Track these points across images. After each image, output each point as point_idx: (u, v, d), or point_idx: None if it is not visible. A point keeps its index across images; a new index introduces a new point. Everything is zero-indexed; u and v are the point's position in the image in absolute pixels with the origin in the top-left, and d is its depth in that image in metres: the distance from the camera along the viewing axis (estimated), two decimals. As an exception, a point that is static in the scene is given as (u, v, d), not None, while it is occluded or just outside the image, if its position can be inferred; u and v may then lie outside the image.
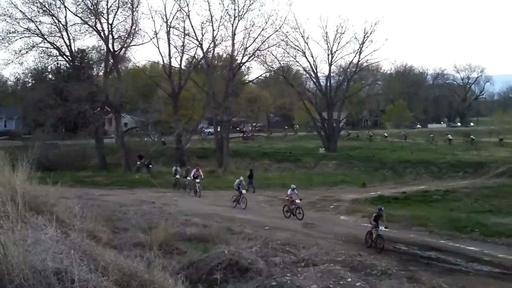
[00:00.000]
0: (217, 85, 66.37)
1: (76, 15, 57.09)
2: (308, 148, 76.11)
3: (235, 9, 61.29)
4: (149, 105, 73.11)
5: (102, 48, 61.26)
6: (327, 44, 75.69)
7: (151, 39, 61.81)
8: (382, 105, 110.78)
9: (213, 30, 61.81)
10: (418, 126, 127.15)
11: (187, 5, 66.46)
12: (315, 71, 76.05)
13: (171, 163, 54.65)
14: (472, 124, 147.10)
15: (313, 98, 77.84)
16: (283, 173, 57.18)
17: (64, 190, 17.06)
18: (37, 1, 55.26)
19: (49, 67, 67.06)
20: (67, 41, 57.61)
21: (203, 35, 62.56)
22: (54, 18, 56.30)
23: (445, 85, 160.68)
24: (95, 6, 56.65)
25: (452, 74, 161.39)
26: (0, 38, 55.74)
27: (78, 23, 57.50)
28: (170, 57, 63.01)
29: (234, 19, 61.33)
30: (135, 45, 62.68)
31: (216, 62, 75.29)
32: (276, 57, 69.53)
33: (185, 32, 61.61)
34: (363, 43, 73.45)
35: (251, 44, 63.11)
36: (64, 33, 57.11)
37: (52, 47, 57.93)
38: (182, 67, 67.28)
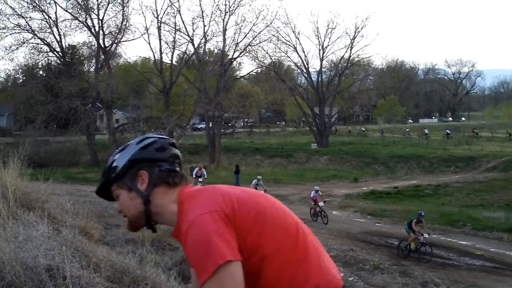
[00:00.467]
0: (209, 80, 66.36)
1: (66, 11, 56.99)
2: (300, 144, 76.09)
3: (226, 4, 61.33)
4: (140, 101, 73.07)
5: (93, 44, 61.11)
6: (318, 39, 75.94)
7: (142, 35, 62.27)
8: (374, 100, 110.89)
9: (204, 26, 61.90)
10: (410, 121, 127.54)
11: (178, 0, 66.55)
12: (306, 66, 76.26)
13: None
14: (463, 118, 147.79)
15: (304, 94, 77.74)
16: (275, 169, 57.24)
17: (56, 186, 16.96)
18: (27, -3, 55.08)
19: (40, 63, 67.04)
20: (58, 37, 57.56)
21: (194, 31, 62.75)
22: (44, 14, 56.16)
23: (436, 80, 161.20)
24: (85, 2, 56.40)
25: (443, 69, 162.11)
26: (-11, 34, 55.71)
27: (68, 19, 57.46)
28: (161, 53, 62.98)
29: (225, 15, 61.35)
30: (126, 40, 62.82)
31: (207, 57, 75.21)
32: (267, 53, 69.64)
33: (176, 28, 61.57)
34: (354, 38, 73.60)
35: (242, 40, 63.26)
36: (55, 29, 57.03)
37: (42, 43, 57.78)
38: (173, 62, 67.27)
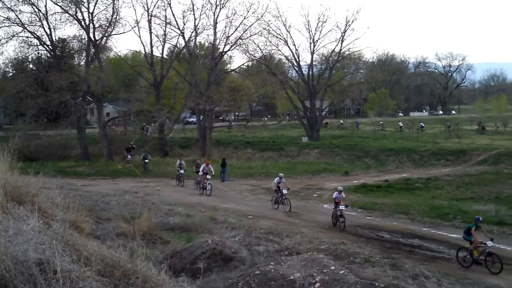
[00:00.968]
0: (199, 74, 66.37)
1: (56, 4, 56.52)
2: (291, 137, 76.28)
3: (216, -3, 61.09)
4: (131, 94, 72.79)
5: (83, 37, 60.67)
6: (309, 32, 75.98)
7: (132, 28, 61.70)
8: (365, 94, 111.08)
9: (195, 19, 61.76)
10: (400, 114, 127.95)
11: (168, -7, 66.21)
12: (297, 60, 76.28)
13: (153, 153, 54.58)
14: (453, 112, 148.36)
15: (295, 87, 77.81)
16: (266, 162, 57.32)
17: (46, 180, 16.95)
18: (17, -10, 54.72)
19: (30, 57, 66.59)
20: (48, 31, 57.10)
21: (184, 24, 62.51)
22: (34, 7, 55.75)
23: (426, 73, 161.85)
24: (75, -5, 56.12)
25: (433, 62, 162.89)
26: (-21, 28, 55.37)
27: (58, 12, 56.96)
28: (151, 46, 62.84)
29: (216, 8, 61.27)
30: (116, 34, 62.76)
31: (198, 51, 75.19)
32: (258, 46, 69.61)
33: (167, 21, 61.47)
34: (345, 31, 73.68)
35: (233, 33, 63.22)
36: (45, 22, 56.56)
37: (32, 36, 57.28)
38: (164, 56, 67.26)
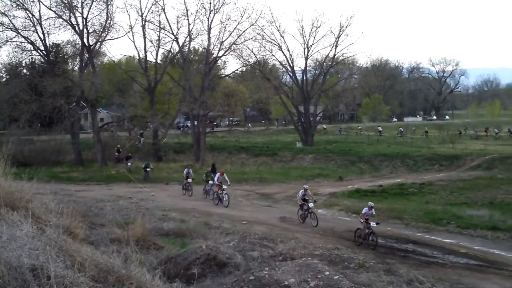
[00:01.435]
0: (193, 79, 66.38)
1: (50, 9, 56.41)
2: (285, 142, 76.35)
3: (210, 3, 61.42)
4: (125, 99, 72.64)
5: (77, 42, 60.53)
6: (303, 38, 76.08)
7: (126, 33, 61.52)
8: (358, 99, 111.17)
9: (189, 24, 61.85)
10: (394, 119, 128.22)
11: (162, -2, 66.28)
12: (291, 65, 76.46)
13: (148, 158, 54.54)
14: (447, 117, 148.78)
15: (289, 92, 77.96)
16: (260, 167, 57.29)
17: (40, 186, 16.88)
18: (11, -5, 54.60)
19: (24, 62, 66.43)
20: (42, 36, 56.95)
21: (178, 29, 62.52)
22: (28, 12, 55.56)
23: (420, 78, 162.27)
24: (69, 0, 55.95)
25: (427, 67, 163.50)
26: (-27, 33, 55.22)
27: (52, 17, 56.79)
28: (145, 51, 62.76)
29: (210, 13, 61.40)
30: (110, 39, 62.47)
31: (192, 56, 75.17)
32: (252, 51, 69.83)
33: (161, 26, 61.46)
34: (339, 36, 73.86)
35: (227, 38, 63.35)
36: (38, 27, 56.42)
37: (26, 41, 57.14)
38: (158, 61, 67.23)
